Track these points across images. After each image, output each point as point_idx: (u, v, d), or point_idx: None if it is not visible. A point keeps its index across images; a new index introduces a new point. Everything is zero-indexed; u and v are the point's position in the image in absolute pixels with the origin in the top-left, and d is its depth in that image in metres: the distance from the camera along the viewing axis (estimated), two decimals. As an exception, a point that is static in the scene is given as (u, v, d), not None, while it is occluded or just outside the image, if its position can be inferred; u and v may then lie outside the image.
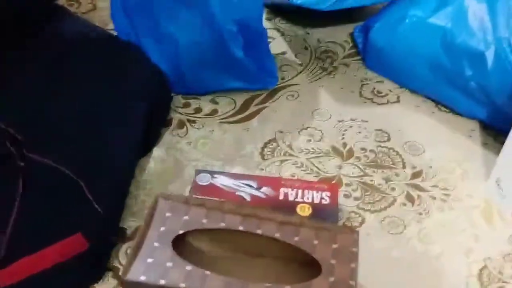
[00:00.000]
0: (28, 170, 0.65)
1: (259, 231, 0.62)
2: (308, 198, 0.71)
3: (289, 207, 0.70)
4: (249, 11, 0.80)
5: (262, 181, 0.73)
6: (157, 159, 0.81)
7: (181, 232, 0.61)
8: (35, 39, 0.74)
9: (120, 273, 0.61)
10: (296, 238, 0.61)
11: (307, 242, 0.61)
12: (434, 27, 0.81)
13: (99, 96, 0.70)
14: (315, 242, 0.61)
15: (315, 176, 0.79)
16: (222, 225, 0.62)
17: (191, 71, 0.85)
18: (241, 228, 0.62)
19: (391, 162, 0.81)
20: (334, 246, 0.61)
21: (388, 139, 0.85)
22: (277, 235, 0.61)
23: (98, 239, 0.66)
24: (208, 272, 0.58)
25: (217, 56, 0.83)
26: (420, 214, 0.74)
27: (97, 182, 0.68)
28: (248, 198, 0.71)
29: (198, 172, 0.74)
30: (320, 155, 0.82)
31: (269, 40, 1.01)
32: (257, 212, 0.63)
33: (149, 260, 0.59)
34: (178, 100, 0.90)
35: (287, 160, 0.81)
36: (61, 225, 0.64)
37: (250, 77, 0.88)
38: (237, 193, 0.72)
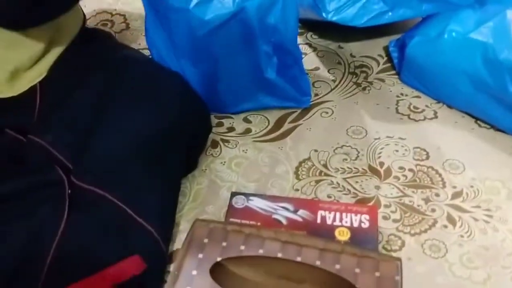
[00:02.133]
0: (75, 197, 0.66)
1: (299, 259, 0.60)
2: (346, 222, 0.70)
3: (328, 231, 0.69)
4: (285, 33, 0.78)
5: (299, 203, 0.72)
6: (192, 180, 0.80)
7: (219, 259, 0.60)
8: (82, 63, 0.74)
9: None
10: (337, 266, 0.59)
11: (348, 271, 0.59)
12: (474, 42, 0.78)
13: (144, 126, 0.71)
14: (357, 270, 0.59)
15: (352, 197, 0.77)
16: (261, 252, 0.61)
17: (227, 91, 0.85)
18: (280, 255, 0.61)
19: (430, 182, 0.79)
20: (377, 274, 0.59)
21: (427, 157, 0.82)
22: (317, 263, 0.60)
23: (154, 257, 0.66)
24: (247, 301, 0.57)
25: (251, 76, 0.82)
26: (462, 236, 0.72)
27: (145, 206, 0.68)
28: (284, 222, 0.70)
29: (233, 194, 0.73)
30: (357, 174, 0.80)
31: (302, 56, 1.01)
32: (296, 238, 0.62)
33: (188, 288, 0.58)
34: (211, 119, 0.89)
35: (322, 180, 0.80)
36: (112, 249, 0.64)
37: (284, 96, 0.87)
38: (273, 216, 0.71)
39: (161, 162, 0.73)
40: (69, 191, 0.67)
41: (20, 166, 0.69)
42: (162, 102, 0.72)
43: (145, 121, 0.70)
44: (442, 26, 0.82)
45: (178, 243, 0.71)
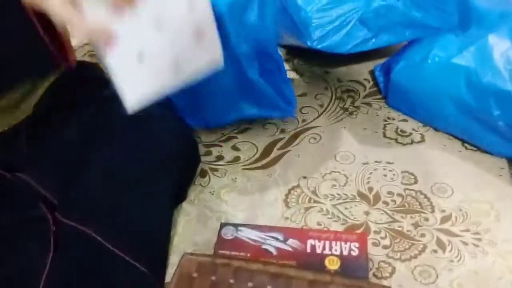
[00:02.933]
0: (59, 234, 0.66)
1: (288, 291, 0.60)
2: (336, 250, 0.69)
3: (317, 260, 0.68)
4: (263, 33, 0.78)
5: (289, 233, 0.72)
6: (181, 211, 0.80)
7: (208, 294, 0.60)
8: (68, 99, 0.75)
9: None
10: (326, 297, 0.59)
11: (338, 301, 0.59)
12: (458, 67, 0.79)
13: (131, 162, 0.71)
14: (347, 301, 0.59)
15: (342, 224, 0.77)
16: (250, 285, 0.61)
17: (209, 100, 0.84)
18: (269, 287, 0.61)
19: (419, 206, 0.79)
20: (367, 304, 0.59)
21: (415, 181, 0.83)
22: (307, 294, 0.60)
23: None
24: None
25: (233, 79, 0.81)
26: (452, 261, 0.72)
27: (135, 247, 0.67)
28: (274, 252, 0.70)
29: (222, 225, 0.73)
30: (346, 201, 0.80)
31: (288, 81, 1.02)
32: (285, 270, 0.62)
33: (177, 325, 0.58)
34: (200, 148, 0.89)
35: (312, 207, 0.80)
36: None
37: (267, 103, 0.85)
38: (263, 246, 0.70)
39: (149, 195, 0.73)
40: (54, 228, 0.66)
41: (4, 202, 0.69)
42: (150, 138, 0.72)
43: (132, 157, 0.70)
44: (426, 51, 0.83)
45: (167, 277, 0.71)
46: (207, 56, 0.63)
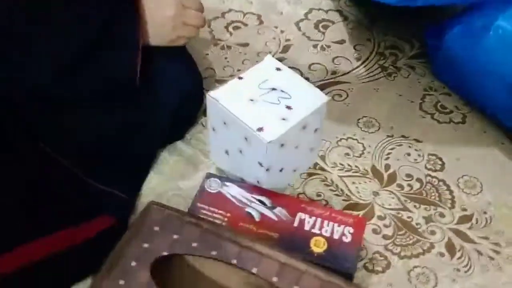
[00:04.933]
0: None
1: (255, 270, 0.52)
2: (326, 231, 0.61)
3: (302, 237, 0.60)
4: None
5: (278, 199, 0.63)
6: (172, 150, 0.72)
7: (164, 254, 0.53)
8: None
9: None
10: (295, 287, 0.51)
11: (307, 295, 0.51)
12: (523, 46, 0.65)
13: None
14: (317, 296, 0.51)
15: (344, 200, 0.68)
16: (214, 254, 0.53)
17: None
18: (234, 261, 0.53)
19: (438, 198, 0.68)
20: (339, 306, 0.51)
21: (442, 168, 0.71)
22: (274, 279, 0.52)
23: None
24: (183, 311, 0.50)
25: None
26: (458, 270, 0.62)
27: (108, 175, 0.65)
28: (257, 218, 0.62)
29: (208, 176, 0.65)
30: (356, 174, 0.70)
31: (328, 23, 0.89)
32: (257, 246, 0.54)
33: (121, 282, 0.51)
34: (212, 83, 0.79)
35: (316, 174, 0.70)
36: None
37: None
38: (246, 209, 0.62)
39: (139, 126, 0.66)
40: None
41: None
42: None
43: None
44: (488, 20, 0.68)
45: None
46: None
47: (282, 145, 0.61)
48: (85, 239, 0.60)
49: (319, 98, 0.63)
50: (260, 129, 0.59)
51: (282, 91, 0.63)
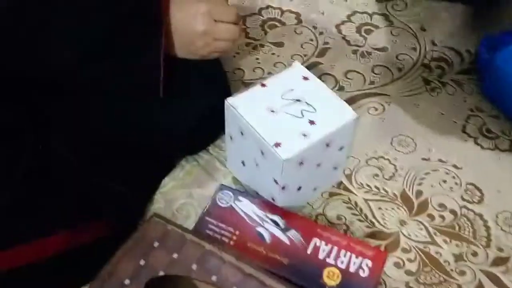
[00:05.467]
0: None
1: (255, 302, 0.48)
2: (342, 262, 0.55)
3: (315, 267, 0.55)
4: None
5: (293, 221, 0.58)
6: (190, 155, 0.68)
7: (161, 274, 0.49)
8: None
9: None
10: (297, 327, 0.47)
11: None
12: None
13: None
14: None
15: (367, 227, 0.62)
16: (214, 279, 0.49)
17: None
18: (234, 290, 0.49)
19: (472, 235, 0.62)
20: None
21: (480, 201, 0.64)
22: (275, 315, 0.47)
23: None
24: None
25: None
26: (487, 320, 0.56)
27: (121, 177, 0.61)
28: (267, 239, 0.57)
29: (221, 188, 0.61)
30: (383, 198, 0.64)
31: (371, 28, 0.82)
32: (261, 276, 0.49)
33: (111, 301, 0.48)
34: (238, 85, 0.75)
35: (339, 194, 0.65)
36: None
37: None
38: (257, 228, 0.58)
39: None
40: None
41: None
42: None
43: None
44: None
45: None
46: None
47: (300, 163, 0.56)
48: (84, 243, 0.57)
49: (347, 114, 0.57)
50: (277, 145, 0.54)
51: (306, 103, 0.58)
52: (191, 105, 0.62)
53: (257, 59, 0.78)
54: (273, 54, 0.79)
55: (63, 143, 0.61)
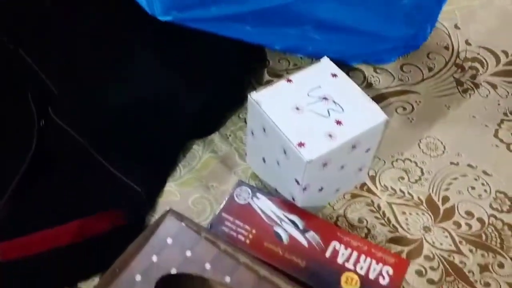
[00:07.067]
0: (46, 132, 0.56)
1: (269, 306, 0.46)
2: (361, 268, 0.53)
3: (333, 271, 0.53)
4: None
5: (312, 222, 0.56)
6: (208, 144, 0.66)
7: (173, 271, 0.48)
8: None
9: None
10: (312, 335, 0.45)
11: None
12: None
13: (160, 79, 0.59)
14: None
15: (389, 231, 0.60)
16: (227, 280, 0.47)
17: None
18: (248, 293, 0.47)
19: (499, 245, 0.59)
20: None
21: (510, 210, 0.62)
22: (290, 320, 0.45)
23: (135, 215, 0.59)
24: None
25: None
26: (512, 336, 0.53)
27: (130, 166, 0.60)
28: (285, 240, 0.55)
29: (239, 184, 0.59)
30: (408, 203, 0.62)
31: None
32: (277, 279, 0.47)
33: (121, 296, 0.46)
34: (262, 75, 0.73)
35: (362, 196, 0.62)
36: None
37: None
38: (275, 228, 0.56)
39: (167, 115, 0.61)
40: (42, 123, 0.57)
41: None
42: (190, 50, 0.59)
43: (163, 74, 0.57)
44: None
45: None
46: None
47: (324, 164, 0.53)
48: (95, 233, 0.56)
49: (377, 115, 0.55)
50: (301, 145, 0.52)
51: (334, 102, 0.55)
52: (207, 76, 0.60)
53: (283, 51, 0.76)
54: (300, 46, 0.77)
55: (74, 125, 0.60)
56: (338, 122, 0.54)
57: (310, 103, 0.55)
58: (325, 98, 0.55)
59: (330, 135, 0.53)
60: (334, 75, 0.57)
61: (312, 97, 0.55)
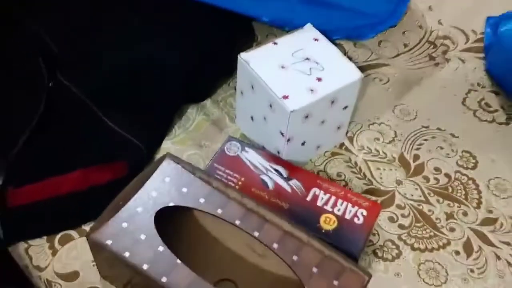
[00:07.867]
0: (54, 94, 0.62)
1: (256, 234, 0.52)
2: (339, 210, 0.59)
3: (313, 212, 0.59)
4: None
5: (295, 172, 0.62)
6: (200, 109, 0.72)
7: (171, 204, 0.53)
8: None
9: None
10: (294, 258, 0.50)
11: (304, 267, 0.50)
12: None
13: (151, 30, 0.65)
14: (314, 270, 0.50)
15: (365, 184, 0.66)
16: (219, 212, 0.53)
17: None
18: (237, 222, 0.52)
19: (464, 196, 0.65)
20: (335, 283, 0.49)
21: (474, 167, 0.68)
22: (274, 245, 0.51)
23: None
24: (179, 261, 0.50)
25: None
26: (472, 271, 0.59)
27: (132, 124, 0.65)
28: (271, 186, 0.61)
29: (229, 139, 0.65)
30: (382, 160, 0.68)
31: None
32: (262, 210, 0.53)
33: (124, 224, 0.52)
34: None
35: (340, 154, 0.69)
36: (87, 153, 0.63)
37: None
38: (261, 176, 0.62)
39: (161, 76, 0.67)
40: (51, 84, 0.62)
41: (4, 52, 0.65)
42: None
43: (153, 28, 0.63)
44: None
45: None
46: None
47: (306, 116, 0.60)
48: (98, 183, 0.61)
49: (353, 74, 0.61)
50: (285, 97, 0.58)
51: (315, 62, 0.62)
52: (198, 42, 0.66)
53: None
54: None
55: (77, 84, 0.65)
56: (319, 79, 0.60)
57: (294, 62, 0.61)
58: (307, 59, 0.62)
59: (312, 90, 0.59)
60: (316, 39, 0.64)
61: (295, 57, 0.62)
